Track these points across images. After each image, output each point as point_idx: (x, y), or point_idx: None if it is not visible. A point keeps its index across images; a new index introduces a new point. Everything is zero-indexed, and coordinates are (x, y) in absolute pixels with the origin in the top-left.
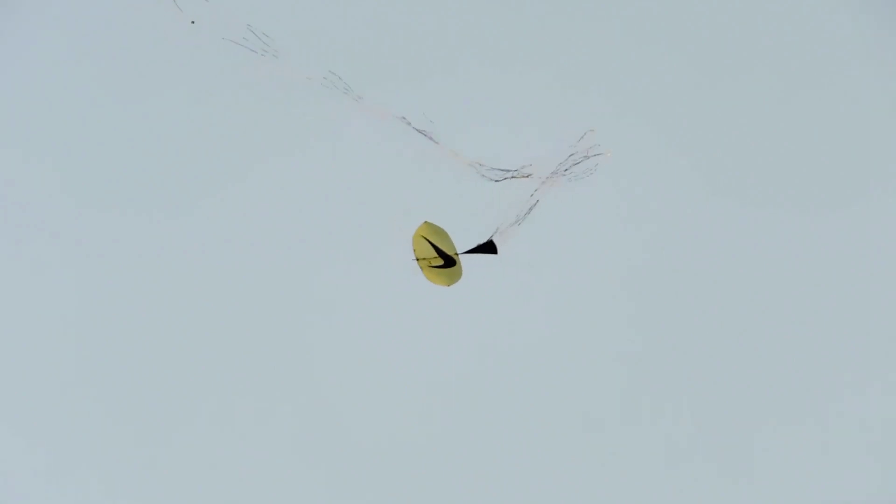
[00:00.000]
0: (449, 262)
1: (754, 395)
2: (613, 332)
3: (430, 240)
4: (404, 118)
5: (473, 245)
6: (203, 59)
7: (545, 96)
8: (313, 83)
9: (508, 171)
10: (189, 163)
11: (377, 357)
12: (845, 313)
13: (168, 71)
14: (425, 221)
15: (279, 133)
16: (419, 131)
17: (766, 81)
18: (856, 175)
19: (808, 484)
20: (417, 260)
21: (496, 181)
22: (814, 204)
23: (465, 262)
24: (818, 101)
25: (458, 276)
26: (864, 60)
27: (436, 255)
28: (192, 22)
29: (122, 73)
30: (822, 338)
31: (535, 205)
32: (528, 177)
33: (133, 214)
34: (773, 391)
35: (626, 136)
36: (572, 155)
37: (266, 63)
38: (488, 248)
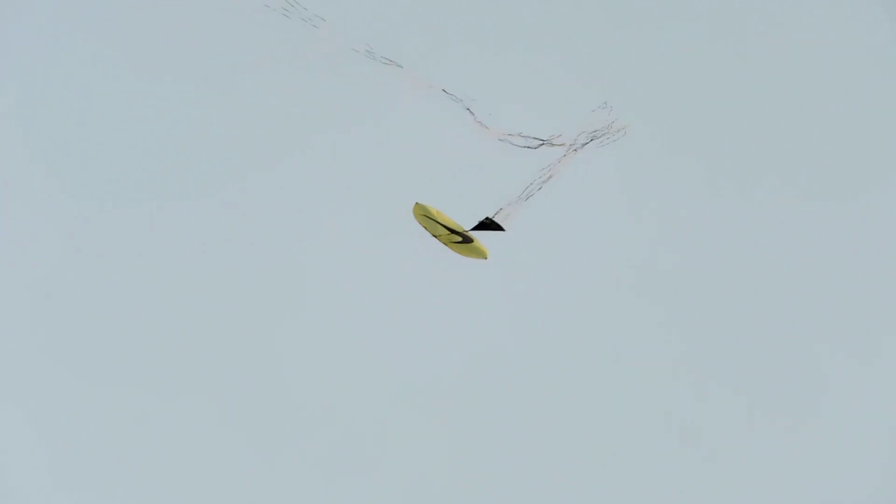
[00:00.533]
0: (466, 238)
1: (766, 394)
2: (616, 328)
3: (435, 219)
4: (444, 90)
5: (476, 223)
6: (241, 27)
7: (566, 71)
8: (353, 53)
9: (541, 139)
10: (229, 133)
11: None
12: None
13: (205, 40)
14: (416, 203)
15: (316, 103)
16: (459, 101)
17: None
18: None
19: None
20: (437, 237)
21: (531, 148)
22: (848, 187)
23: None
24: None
25: (485, 250)
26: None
27: (447, 231)
28: None
29: (153, 41)
30: (831, 332)
31: (545, 181)
32: (561, 145)
33: (160, 191)
34: (784, 390)
35: (643, 111)
36: (586, 131)
37: (308, 32)
38: (493, 225)
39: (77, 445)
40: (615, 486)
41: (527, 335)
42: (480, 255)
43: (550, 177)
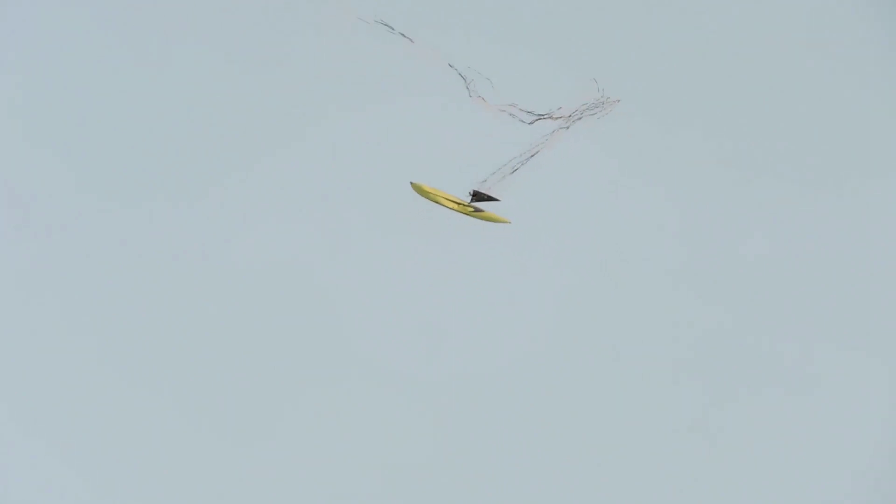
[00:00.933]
0: (477, 207)
1: (766, 392)
2: (611, 323)
3: (440, 194)
4: (450, 64)
5: (469, 196)
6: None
7: (562, 46)
8: (363, 25)
9: (542, 114)
10: (243, 108)
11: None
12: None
13: (215, 12)
14: (411, 182)
15: (327, 77)
16: (461, 75)
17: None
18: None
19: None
20: (451, 209)
21: (529, 123)
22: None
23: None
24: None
25: (501, 217)
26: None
27: (457, 203)
28: None
29: (164, 14)
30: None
31: (534, 154)
32: (560, 118)
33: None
34: (784, 388)
35: (637, 85)
36: (579, 106)
37: (321, 5)
38: (485, 196)
39: (76, 445)
40: (615, 486)
41: (523, 330)
42: (500, 221)
43: (539, 150)
